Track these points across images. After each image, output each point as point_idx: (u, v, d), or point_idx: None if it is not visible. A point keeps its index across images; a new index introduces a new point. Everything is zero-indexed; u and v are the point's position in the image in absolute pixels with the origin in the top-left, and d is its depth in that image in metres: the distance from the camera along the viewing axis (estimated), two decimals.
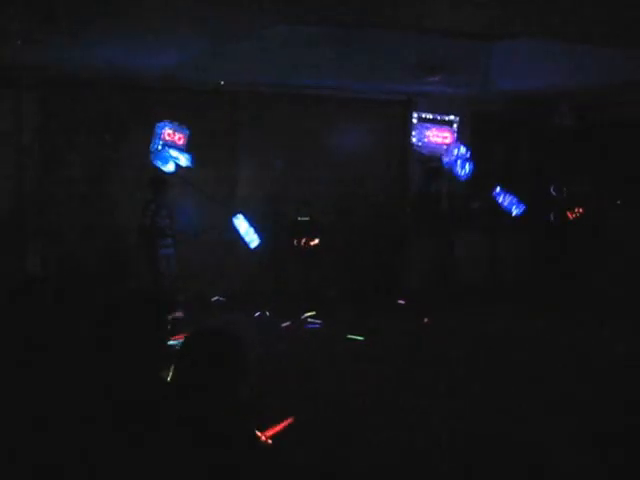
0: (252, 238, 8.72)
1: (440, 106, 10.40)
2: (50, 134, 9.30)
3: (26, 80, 9.02)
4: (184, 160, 8.26)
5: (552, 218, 10.53)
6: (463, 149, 9.83)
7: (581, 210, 10.05)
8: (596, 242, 10.29)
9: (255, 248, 8.78)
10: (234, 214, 8.70)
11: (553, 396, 6.09)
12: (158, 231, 8.42)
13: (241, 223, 8.71)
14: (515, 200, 9.59)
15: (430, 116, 10.86)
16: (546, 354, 7.63)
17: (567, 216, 10.16)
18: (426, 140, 10.73)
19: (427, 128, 10.80)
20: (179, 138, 8.22)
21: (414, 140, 10.61)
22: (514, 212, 9.61)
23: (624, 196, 10.30)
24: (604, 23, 6.80)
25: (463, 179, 9.71)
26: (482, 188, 10.16)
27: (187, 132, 8.26)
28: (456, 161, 9.80)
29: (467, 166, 9.80)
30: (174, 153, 8.21)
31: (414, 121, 10.64)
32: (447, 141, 10.93)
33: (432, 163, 10.68)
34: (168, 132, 8.07)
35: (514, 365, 7.18)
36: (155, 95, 9.48)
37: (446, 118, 10.86)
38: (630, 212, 10.11)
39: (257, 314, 8.99)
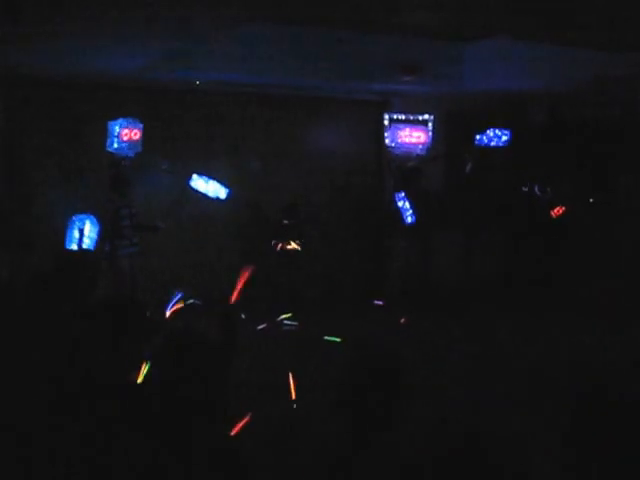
0: (217, 190, 8.59)
1: (415, 106, 10.42)
2: (17, 136, 9.11)
3: None
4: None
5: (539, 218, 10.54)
6: (407, 204, 9.88)
7: (563, 209, 10.09)
8: (573, 241, 10.35)
9: (226, 198, 8.69)
10: (188, 178, 8.55)
11: (525, 393, 6.16)
12: (116, 232, 8.28)
13: (198, 183, 8.56)
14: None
15: (402, 117, 10.91)
16: (521, 353, 7.68)
17: (550, 215, 10.17)
18: (399, 141, 10.78)
19: (400, 129, 10.85)
20: (134, 134, 8.16)
21: (387, 141, 10.66)
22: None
23: (598, 195, 10.36)
24: (577, 24, 6.83)
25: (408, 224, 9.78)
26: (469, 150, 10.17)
27: (141, 126, 8.18)
28: (404, 212, 9.87)
29: (410, 218, 9.85)
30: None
31: (385, 122, 10.69)
32: (421, 140, 10.99)
33: (408, 163, 10.70)
34: (124, 131, 8.02)
35: (489, 363, 7.24)
36: (128, 96, 9.38)
37: (420, 118, 10.92)
38: (603, 211, 10.19)
39: None
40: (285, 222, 9.61)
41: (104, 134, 8.53)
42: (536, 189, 10.54)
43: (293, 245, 9.61)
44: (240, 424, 4.58)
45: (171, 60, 7.84)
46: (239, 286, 3.96)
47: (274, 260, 9.71)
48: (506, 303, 9.95)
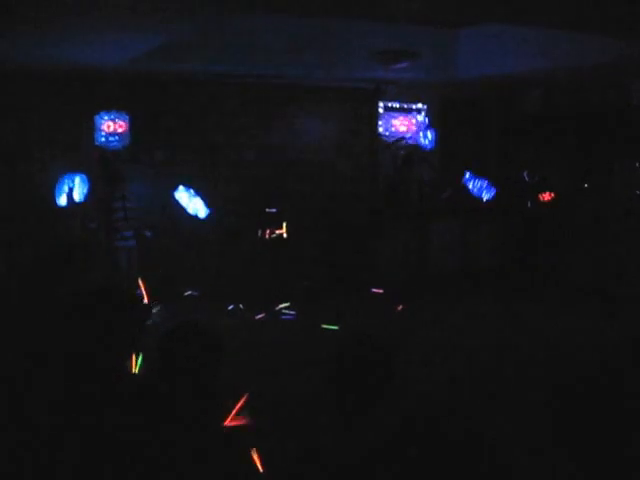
0: (197, 208, 8.55)
1: (408, 93, 10.40)
2: (10, 132, 8.99)
3: None
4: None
5: (529, 204, 10.55)
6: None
7: (552, 194, 10.10)
8: (567, 226, 10.36)
9: (205, 218, 8.63)
10: (175, 188, 8.55)
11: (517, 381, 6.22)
12: (110, 225, 8.27)
13: (182, 195, 8.53)
14: (486, 185, 9.57)
15: (397, 105, 10.91)
16: (514, 339, 7.75)
17: (539, 201, 10.21)
18: (393, 129, 10.80)
19: (394, 117, 10.86)
20: (119, 126, 8.17)
21: (381, 130, 10.68)
22: (484, 197, 9.59)
23: (592, 180, 10.38)
24: (573, 8, 6.79)
25: (428, 148, 9.76)
26: (451, 176, 10.19)
27: (127, 118, 8.18)
28: (418, 132, 9.86)
29: (429, 134, 9.84)
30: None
31: (380, 111, 10.70)
32: (414, 129, 10.99)
33: (402, 150, 10.73)
34: (107, 124, 8.04)
35: (483, 350, 7.29)
36: (124, 88, 9.34)
37: (413, 106, 10.93)
38: (597, 196, 10.21)
39: (231, 307, 8.99)
40: (267, 210, 9.60)
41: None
42: (525, 175, 10.55)
43: (280, 231, 9.59)
44: (231, 416, 4.64)
45: (166, 51, 7.80)
46: (234, 412, 4.04)
47: (261, 248, 9.68)
48: (502, 290, 9.97)
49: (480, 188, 9.60)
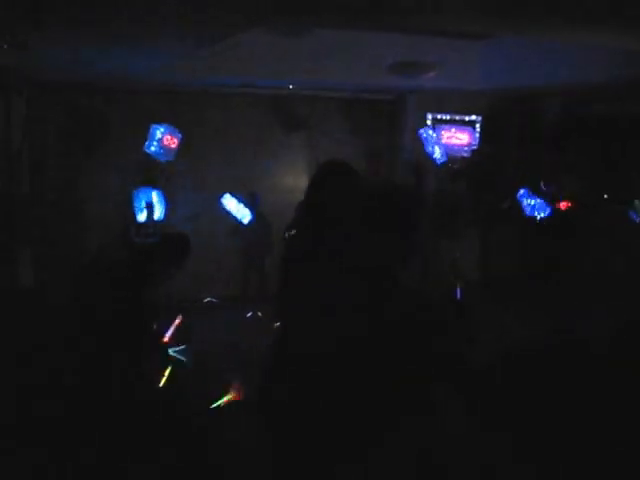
0: (243, 214, 8.90)
1: (430, 105, 10.13)
2: (40, 138, 9.37)
3: (14, 83, 8.95)
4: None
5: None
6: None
7: (569, 204, 9.66)
8: (582, 237, 9.89)
9: (248, 223, 8.94)
10: (221, 195, 8.86)
11: None
12: (135, 228, 8.38)
13: (230, 202, 8.87)
14: (540, 203, 9.24)
15: (447, 117, 10.54)
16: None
17: (556, 211, 9.79)
18: (443, 143, 10.44)
19: (445, 129, 10.49)
20: (173, 141, 8.31)
21: (426, 144, 10.38)
22: (538, 216, 9.24)
23: (612, 191, 9.90)
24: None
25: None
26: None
27: (180, 136, 8.32)
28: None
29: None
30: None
31: (428, 122, 10.36)
32: (465, 142, 10.60)
33: (454, 165, 10.39)
34: (166, 136, 8.19)
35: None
36: (152, 98, 9.65)
37: (466, 118, 10.53)
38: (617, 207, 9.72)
39: (249, 314, 9.02)
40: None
41: (132, 137, 8.82)
42: (542, 185, 10.07)
43: None
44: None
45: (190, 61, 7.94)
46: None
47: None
48: (521, 298, 9.52)
49: (534, 207, 9.26)
